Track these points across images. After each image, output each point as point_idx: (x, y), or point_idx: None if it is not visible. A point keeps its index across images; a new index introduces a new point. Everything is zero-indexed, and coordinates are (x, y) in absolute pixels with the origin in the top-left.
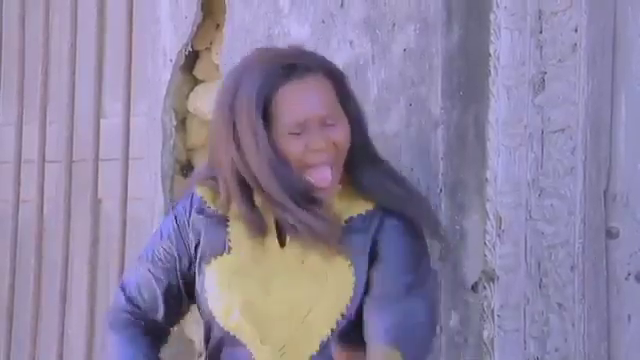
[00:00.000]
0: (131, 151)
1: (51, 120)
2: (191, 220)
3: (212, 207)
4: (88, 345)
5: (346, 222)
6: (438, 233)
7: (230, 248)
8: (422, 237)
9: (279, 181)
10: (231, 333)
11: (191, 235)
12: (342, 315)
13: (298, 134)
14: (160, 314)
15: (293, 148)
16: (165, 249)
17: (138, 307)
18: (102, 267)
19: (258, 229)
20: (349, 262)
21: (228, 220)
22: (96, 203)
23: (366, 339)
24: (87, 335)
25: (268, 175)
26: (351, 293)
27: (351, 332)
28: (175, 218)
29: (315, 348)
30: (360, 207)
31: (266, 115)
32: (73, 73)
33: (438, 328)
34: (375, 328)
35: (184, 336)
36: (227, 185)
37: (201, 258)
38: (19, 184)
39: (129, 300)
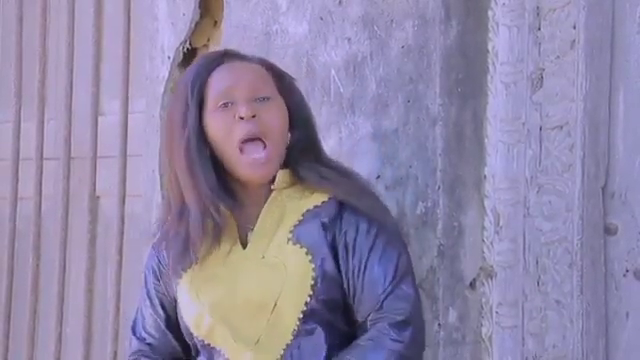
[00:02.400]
0: (129, 148)
1: (49, 117)
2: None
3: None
4: (86, 344)
5: (302, 215)
6: (374, 212)
7: (198, 259)
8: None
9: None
10: (205, 342)
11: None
12: (306, 303)
13: (226, 106)
14: (175, 346)
15: (220, 120)
16: (155, 287)
17: (151, 345)
18: (100, 264)
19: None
20: (305, 250)
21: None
22: (94, 200)
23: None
24: (85, 333)
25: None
26: (311, 281)
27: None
28: (155, 253)
29: (289, 338)
30: (314, 200)
31: (200, 113)
32: (71, 70)
33: (436, 325)
34: None
35: None
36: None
37: (174, 274)
38: (17, 181)
39: (141, 340)
